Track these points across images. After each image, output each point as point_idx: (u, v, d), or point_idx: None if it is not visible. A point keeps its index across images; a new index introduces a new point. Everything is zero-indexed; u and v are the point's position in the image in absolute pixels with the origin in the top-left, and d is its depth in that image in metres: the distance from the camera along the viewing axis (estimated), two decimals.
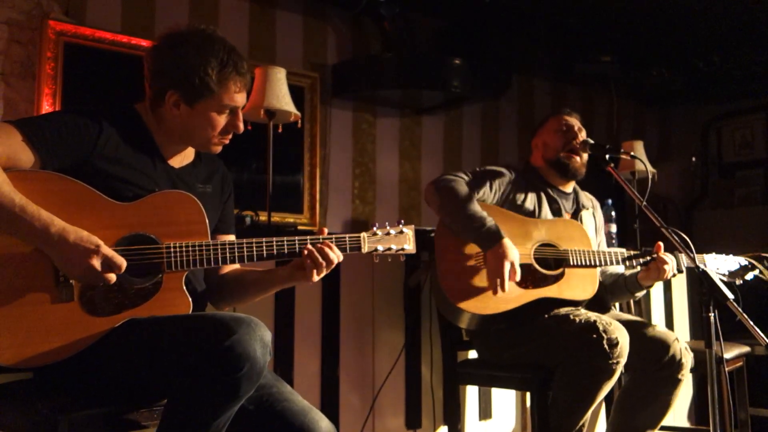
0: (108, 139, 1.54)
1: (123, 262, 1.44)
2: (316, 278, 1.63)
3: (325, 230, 1.67)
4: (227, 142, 1.68)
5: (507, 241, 2.17)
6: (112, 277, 1.44)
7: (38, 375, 1.54)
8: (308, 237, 1.63)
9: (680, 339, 2.34)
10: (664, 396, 2.30)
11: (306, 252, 1.61)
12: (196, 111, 1.60)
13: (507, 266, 2.14)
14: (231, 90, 1.60)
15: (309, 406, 1.58)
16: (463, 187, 2.28)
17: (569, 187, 2.53)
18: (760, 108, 5.42)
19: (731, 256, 2.53)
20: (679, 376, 2.29)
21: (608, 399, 2.57)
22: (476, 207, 2.24)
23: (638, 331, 2.30)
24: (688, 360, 2.30)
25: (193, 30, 1.62)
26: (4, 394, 1.53)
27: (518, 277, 2.17)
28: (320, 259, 1.61)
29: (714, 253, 2.51)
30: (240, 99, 1.64)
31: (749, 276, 2.50)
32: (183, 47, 1.58)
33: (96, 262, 1.41)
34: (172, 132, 1.63)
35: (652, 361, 2.28)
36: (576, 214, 2.51)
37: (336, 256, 1.63)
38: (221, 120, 1.63)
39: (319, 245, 1.62)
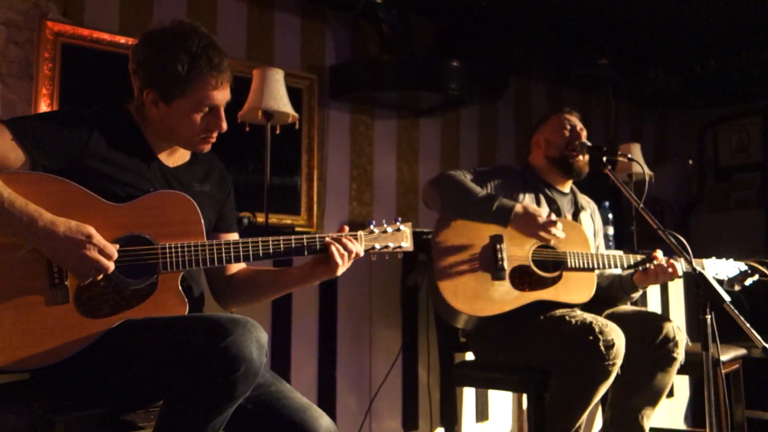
0: (100, 139, 1.53)
1: (114, 251, 1.43)
2: (340, 271, 1.63)
3: (346, 228, 1.67)
4: (213, 140, 1.65)
5: (519, 205, 2.23)
6: (110, 265, 1.42)
7: (34, 376, 1.54)
8: (304, 236, 1.63)
9: (672, 320, 2.36)
10: (661, 375, 2.32)
11: (331, 244, 1.61)
12: (174, 109, 1.57)
13: (540, 219, 2.20)
14: (206, 86, 1.55)
15: (308, 403, 1.58)
16: (463, 178, 2.30)
17: (567, 186, 2.54)
18: (756, 111, 5.43)
19: (731, 260, 2.52)
20: (674, 355, 2.30)
21: (604, 400, 2.57)
22: (480, 189, 2.26)
23: (631, 316, 2.32)
24: (681, 339, 2.32)
25: (171, 26, 1.58)
26: (0, 395, 1.53)
27: (560, 224, 2.23)
28: (342, 250, 1.61)
29: (714, 258, 2.51)
30: (219, 96, 1.58)
31: (748, 282, 2.48)
32: (156, 43, 1.56)
33: (89, 252, 1.40)
34: (158, 131, 1.62)
35: (647, 342, 2.29)
36: (576, 216, 2.52)
37: (355, 246, 1.63)
38: (200, 118, 1.58)
39: (336, 238, 1.63)
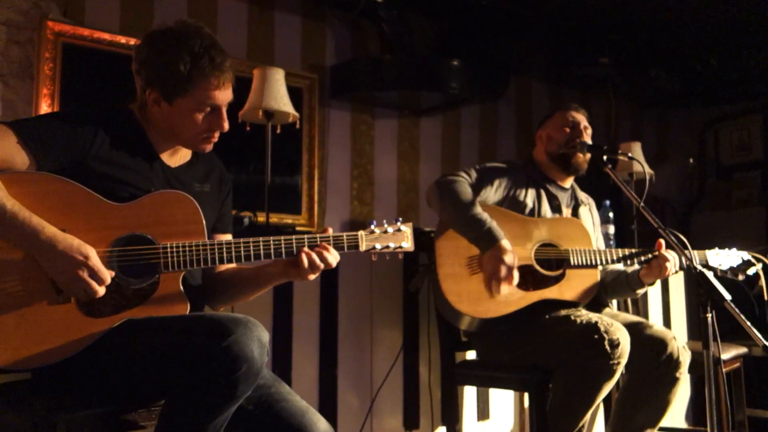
0: (103, 140, 1.54)
1: (107, 278, 1.43)
2: (311, 277, 1.62)
3: (330, 230, 1.65)
4: (215, 140, 1.65)
5: (505, 243, 2.16)
6: (100, 290, 1.42)
7: (36, 375, 1.54)
8: (305, 236, 1.63)
9: (678, 338, 2.34)
10: (663, 395, 2.30)
11: (303, 254, 1.59)
12: (176, 108, 1.57)
13: (503, 270, 2.14)
14: (208, 86, 1.56)
15: (307, 406, 1.58)
16: (465, 188, 2.28)
17: (568, 182, 2.54)
18: (757, 110, 5.43)
19: (734, 250, 2.53)
20: (677, 375, 2.28)
21: (607, 400, 2.57)
22: (477, 208, 2.24)
23: (636, 330, 2.30)
24: (685, 359, 2.30)
25: (174, 26, 1.58)
26: (2, 395, 1.53)
27: (515, 281, 2.17)
28: (317, 262, 1.60)
29: (716, 249, 2.52)
30: (221, 96, 1.58)
31: (751, 271, 2.50)
32: (159, 43, 1.56)
33: (82, 274, 1.40)
34: (161, 130, 1.62)
35: (650, 360, 2.28)
36: (575, 210, 2.52)
37: (334, 258, 1.62)
38: (202, 118, 1.59)
39: (317, 249, 1.61)
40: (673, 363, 2.27)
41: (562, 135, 2.45)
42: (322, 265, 1.61)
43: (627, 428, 2.35)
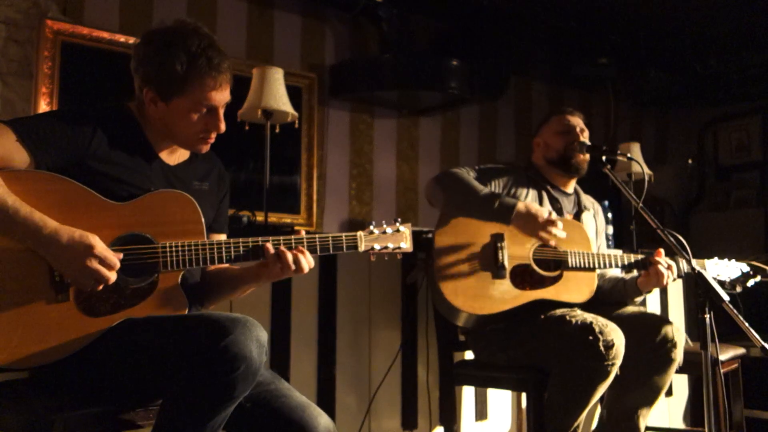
0: (102, 138, 1.54)
1: (116, 262, 1.43)
2: (280, 278, 1.61)
3: (303, 231, 1.64)
4: (212, 141, 1.64)
5: (521, 204, 2.20)
6: (111, 276, 1.43)
7: (34, 374, 1.54)
8: (305, 236, 1.62)
9: (672, 321, 2.35)
10: (658, 376, 2.31)
11: (279, 253, 1.57)
12: (172, 108, 1.57)
13: (540, 220, 2.17)
14: (205, 87, 1.55)
15: (307, 401, 1.58)
16: (466, 175, 2.29)
17: (570, 186, 2.54)
18: (756, 111, 5.43)
19: (733, 261, 2.51)
20: (672, 356, 2.29)
21: (603, 399, 2.57)
22: (482, 187, 2.25)
23: (631, 315, 2.31)
24: (680, 340, 2.30)
25: (172, 25, 1.58)
26: (0, 394, 1.53)
27: (561, 223, 2.20)
28: (291, 265, 1.58)
29: (716, 258, 2.50)
30: (217, 97, 1.57)
31: (750, 283, 2.47)
32: (156, 42, 1.56)
33: (91, 263, 1.40)
34: (158, 129, 1.62)
35: (646, 341, 2.28)
36: (578, 216, 2.52)
37: (307, 262, 1.59)
38: (198, 118, 1.58)
39: (293, 251, 1.58)
40: (668, 344, 2.28)
41: (559, 142, 2.45)
42: (294, 268, 1.57)
43: (623, 408, 2.36)
